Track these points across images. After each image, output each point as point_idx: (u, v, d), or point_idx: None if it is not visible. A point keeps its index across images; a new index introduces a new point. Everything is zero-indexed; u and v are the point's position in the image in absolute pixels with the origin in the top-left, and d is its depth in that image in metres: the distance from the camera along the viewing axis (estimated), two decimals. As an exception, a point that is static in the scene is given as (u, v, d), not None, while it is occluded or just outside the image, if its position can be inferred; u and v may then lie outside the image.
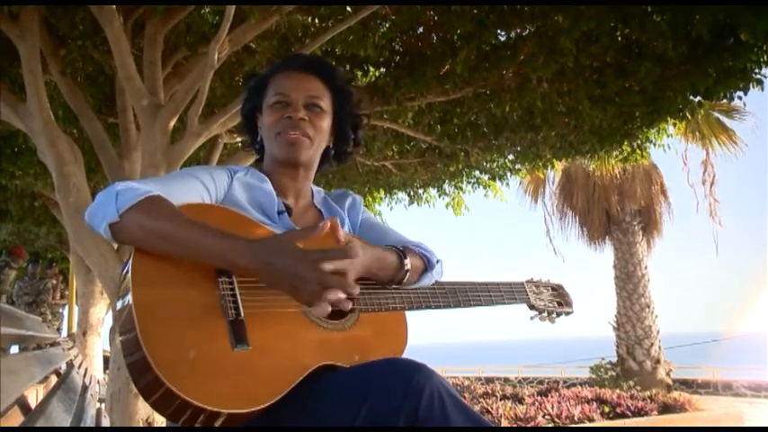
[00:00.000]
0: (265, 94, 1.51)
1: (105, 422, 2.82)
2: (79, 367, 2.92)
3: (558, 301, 1.82)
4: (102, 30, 4.59)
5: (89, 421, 2.09)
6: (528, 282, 1.78)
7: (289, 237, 1.21)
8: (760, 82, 5.39)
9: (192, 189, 1.35)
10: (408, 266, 1.43)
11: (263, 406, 1.14)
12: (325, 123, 1.51)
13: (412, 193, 9.49)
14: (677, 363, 14.64)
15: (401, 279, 1.44)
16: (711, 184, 13.73)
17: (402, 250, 1.45)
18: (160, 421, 4.71)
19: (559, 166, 8.41)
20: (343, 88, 1.55)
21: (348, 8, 5.07)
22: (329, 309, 1.15)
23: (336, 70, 1.56)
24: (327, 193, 1.67)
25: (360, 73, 6.16)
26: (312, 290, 1.14)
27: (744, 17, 4.54)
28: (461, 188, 9.02)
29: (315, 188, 1.63)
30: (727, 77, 5.31)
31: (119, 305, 1.19)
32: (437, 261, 1.55)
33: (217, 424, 1.12)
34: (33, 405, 1.62)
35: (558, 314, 1.81)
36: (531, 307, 1.76)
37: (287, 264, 1.15)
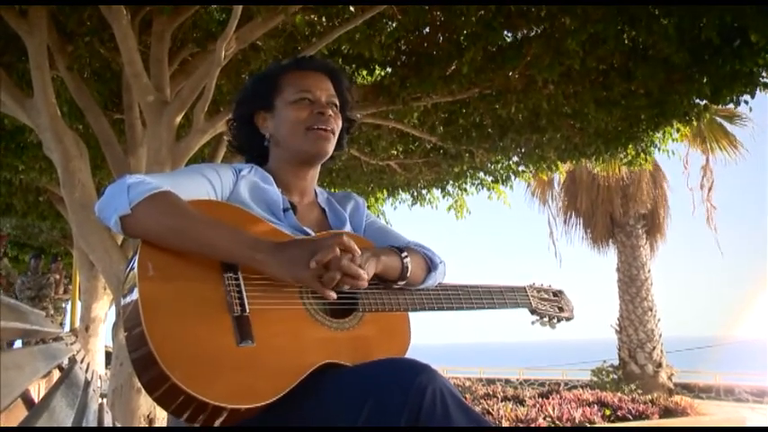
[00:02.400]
0: (277, 93, 1.52)
1: (108, 418, 2.83)
2: (82, 362, 2.92)
3: (558, 306, 1.84)
4: (110, 26, 4.61)
5: (92, 416, 2.10)
6: (530, 286, 1.79)
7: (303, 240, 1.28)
8: (767, 86, 5.37)
9: (200, 186, 1.36)
10: (408, 261, 1.44)
11: (266, 402, 1.14)
12: (341, 123, 1.54)
13: (415, 193, 9.47)
14: (678, 366, 14.61)
15: (404, 277, 1.44)
16: (709, 189, 13.71)
17: (401, 248, 1.47)
18: (161, 417, 4.72)
19: (564, 168, 8.39)
20: (346, 93, 1.59)
21: (352, 8, 5.07)
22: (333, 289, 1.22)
23: (344, 75, 1.60)
24: (330, 193, 1.67)
25: (365, 72, 6.16)
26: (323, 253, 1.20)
27: (753, 19, 4.52)
28: (465, 190, 8.99)
29: (317, 188, 1.64)
30: (733, 81, 5.29)
31: (124, 301, 1.20)
32: (440, 261, 1.56)
33: (220, 419, 1.12)
34: (35, 398, 1.62)
35: (559, 319, 1.83)
36: (533, 312, 1.77)
37: (302, 252, 1.22)
